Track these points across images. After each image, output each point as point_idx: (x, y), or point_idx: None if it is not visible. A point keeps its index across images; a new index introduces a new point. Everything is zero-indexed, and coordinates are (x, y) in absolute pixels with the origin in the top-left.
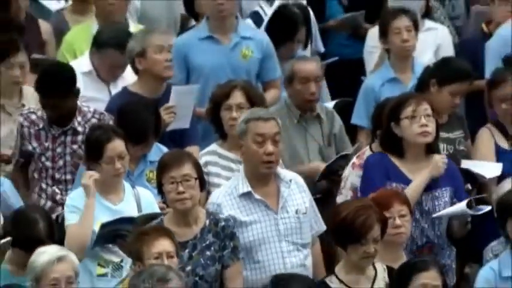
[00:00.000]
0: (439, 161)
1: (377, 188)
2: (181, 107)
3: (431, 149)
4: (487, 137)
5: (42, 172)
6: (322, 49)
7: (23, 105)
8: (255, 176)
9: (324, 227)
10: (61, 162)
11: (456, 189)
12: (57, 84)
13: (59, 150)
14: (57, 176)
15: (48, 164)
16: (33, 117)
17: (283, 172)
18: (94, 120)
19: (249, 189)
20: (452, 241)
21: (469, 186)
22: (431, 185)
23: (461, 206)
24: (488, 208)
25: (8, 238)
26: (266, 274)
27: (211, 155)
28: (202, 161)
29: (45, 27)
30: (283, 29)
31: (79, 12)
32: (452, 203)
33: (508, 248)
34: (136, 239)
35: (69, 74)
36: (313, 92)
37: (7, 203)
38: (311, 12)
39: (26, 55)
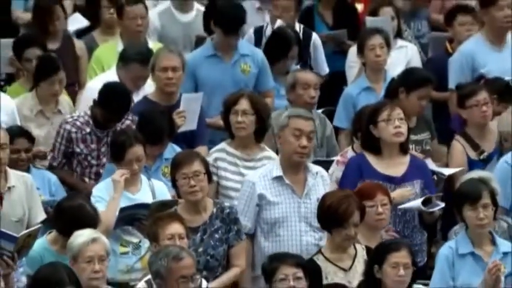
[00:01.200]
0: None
1: (350, 185)
2: (190, 111)
3: (404, 147)
4: (460, 150)
5: (86, 168)
6: (326, 70)
7: (59, 111)
8: (288, 164)
9: None
10: (104, 160)
11: (426, 182)
12: (123, 106)
13: (103, 149)
14: (101, 171)
15: (94, 161)
16: (79, 123)
17: (312, 165)
18: (128, 122)
19: (281, 174)
20: (424, 226)
21: (434, 177)
22: (402, 179)
23: (417, 202)
24: (442, 205)
25: (39, 225)
26: (284, 248)
27: (220, 152)
28: (212, 157)
29: (79, 44)
30: (279, 47)
31: (106, 33)
32: (424, 194)
33: (464, 230)
34: (153, 223)
35: (129, 98)
36: (313, 96)
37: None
38: (318, 38)
39: (63, 71)
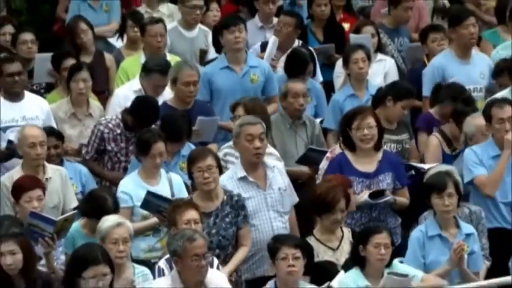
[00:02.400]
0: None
1: None
2: (205, 131)
3: (376, 146)
4: (436, 144)
5: (116, 164)
6: (320, 79)
7: (90, 114)
8: (248, 165)
9: (297, 199)
10: (132, 157)
11: (397, 175)
12: (151, 118)
13: (131, 148)
14: (129, 166)
15: (122, 158)
16: (111, 125)
17: (268, 161)
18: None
19: (245, 174)
20: (399, 212)
21: (413, 172)
22: (375, 173)
23: (365, 196)
24: (387, 198)
25: (75, 211)
26: (259, 234)
27: (229, 148)
28: (223, 152)
29: (108, 57)
30: (298, 65)
31: (131, 48)
32: (395, 185)
33: (432, 215)
34: (172, 210)
35: (157, 111)
36: (302, 104)
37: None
38: (314, 52)
39: (88, 73)
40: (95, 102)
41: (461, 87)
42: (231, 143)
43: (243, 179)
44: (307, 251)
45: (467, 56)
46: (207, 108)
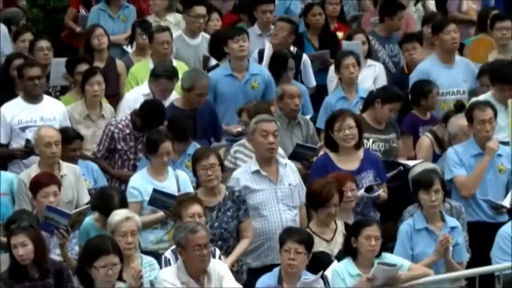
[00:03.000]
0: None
1: (316, 177)
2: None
3: (357, 146)
4: (428, 144)
5: (125, 161)
6: (313, 84)
7: (103, 116)
8: (262, 159)
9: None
10: (140, 155)
11: (378, 172)
12: (157, 121)
13: (139, 146)
14: (137, 164)
15: (131, 156)
16: (120, 126)
17: (281, 159)
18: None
19: (258, 168)
20: (377, 206)
21: (401, 168)
22: (358, 171)
23: (361, 191)
24: (378, 192)
25: (88, 205)
26: (268, 225)
27: (240, 146)
28: (233, 149)
29: (119, 63)
30: (279, 63)
31: (140, 54)
32: (376, 182)
33: (419, 210)
34: (178, 204)
35: (163, 115)
36: (297, 104)
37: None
38: (307, 59)
39: (101, 76)
40: (106, 105)
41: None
42: (241, 141)
43: (256, 172)
44: (311, 246)
45: (450, 61)
46: (210, 109)
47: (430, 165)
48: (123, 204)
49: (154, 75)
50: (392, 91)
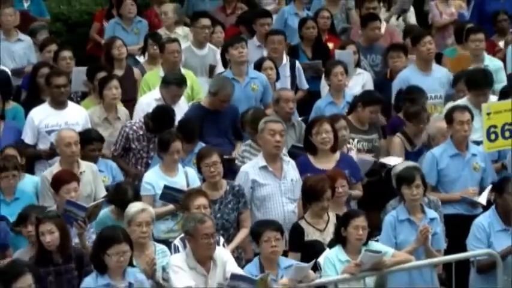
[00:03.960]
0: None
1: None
2: None
3: (334, 148)
4: (399, 142)
5: (139, 159)
6: (306, 86)
7: (119, 118)
8: (269, 156)
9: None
10: (152, 153)
11: (353, 172)
12: (167, 125)
13: (151, 146)
14: (149, 162)
15: (144, 155)
16: (135, 127)
17: (284, 157)
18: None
19: (265, 164)
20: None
21: (391, 164)
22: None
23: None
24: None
25: (103, 199)
26: (272, 215)
27: (247, 146)
28: (242, 148)
29: (136, 71)
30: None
31: (151, 63)
32: (350, 181)
33: (402, 203)
34: (186, 197)
35: (173, 119)
36: (291, 108)
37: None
38: (299, 65)
39: (117, 81)
40: (121, 108)
41: (415, 90)
42: (248, 141)
43: (263, 168)
44: (298, 232)
45: (428, 69)
46: (233, 112)
47: (411, 163)
48: (136, 197)
49: (165, 82)
50: (372, 95)
